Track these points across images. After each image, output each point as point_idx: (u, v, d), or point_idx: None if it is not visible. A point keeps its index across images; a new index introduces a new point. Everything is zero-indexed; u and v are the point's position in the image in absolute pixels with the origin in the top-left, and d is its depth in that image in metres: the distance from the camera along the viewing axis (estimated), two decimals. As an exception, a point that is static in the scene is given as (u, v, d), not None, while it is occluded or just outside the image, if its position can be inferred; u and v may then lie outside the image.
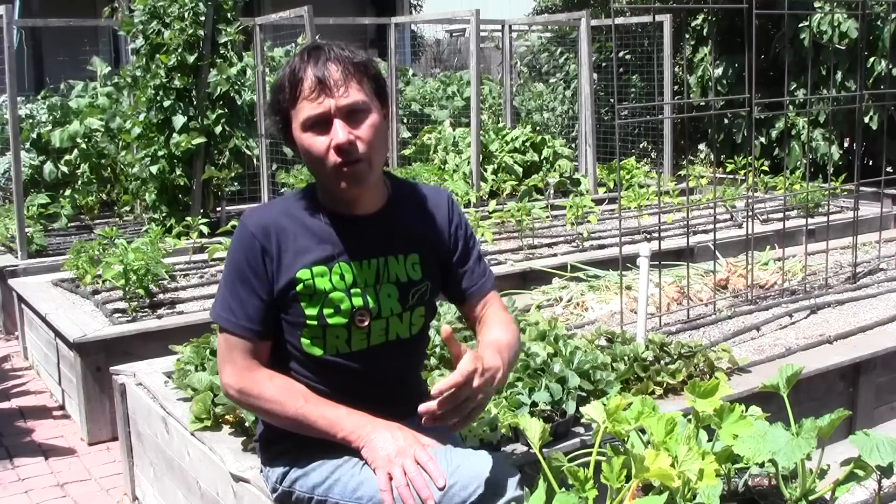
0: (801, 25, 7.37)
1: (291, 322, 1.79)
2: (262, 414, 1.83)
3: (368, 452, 1.67)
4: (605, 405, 1.75)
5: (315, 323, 1.77)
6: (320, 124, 1.68)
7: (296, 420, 1.74)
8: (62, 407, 4.12)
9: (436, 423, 1.61)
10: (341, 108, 1.68)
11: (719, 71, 8.16)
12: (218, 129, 5.74)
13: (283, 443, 1.87)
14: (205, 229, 5.32)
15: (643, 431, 1.76)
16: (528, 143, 7.80)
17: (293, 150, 1.79)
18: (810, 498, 1.75)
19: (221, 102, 5.82)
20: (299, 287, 1.75)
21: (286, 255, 1.75)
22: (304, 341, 1.79)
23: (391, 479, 1.60)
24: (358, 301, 1.78)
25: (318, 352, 1.80)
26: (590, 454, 1.72)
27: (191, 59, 5.55)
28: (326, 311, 1.76)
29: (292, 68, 1.70)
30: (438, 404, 1.58)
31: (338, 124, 1.67)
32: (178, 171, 5.71)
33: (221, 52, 5.79)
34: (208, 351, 2.87)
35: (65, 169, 6.67)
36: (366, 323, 1.79)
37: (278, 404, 1.74)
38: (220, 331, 1.81)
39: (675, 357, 2.88)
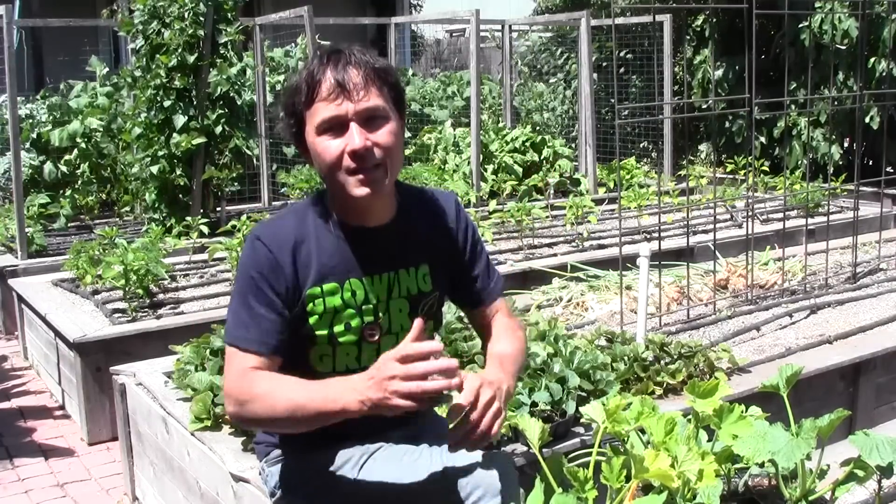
0: (801, 25, 7.37)
1: (301, 339, 1.73)
2: (261, 421, 1.68)
3: (362, 406, 1.52)
4: (604, 405, 1.75)
5: (325, 342, 1.73)
6: (336, 128, 1.63)
7: (290, 410, 1.58)
8: (62, 407, 4.11)
9: (463, 446, 1.57)
10: (359, 112, 1.62)
11: (720, 72, 8.16)
12: (218, 129, 5.74)
13: (282, 446, 1.87)
14: (205, 229, 5.32)
15: (643, 431, 1.76)
16: (528, 143, 7.80)
17: (304, 156, 1.74)
18: (810, 498, 1.75)
19: (221, 102, 5.82)
20: (310, 305, 1.70)
21: (300, 271, 1.70)
22: (314, 358, 1.76)
23: (394, 395, 1.47)
24: (369, 318, 1.75)
25: (327, 368, 1.76)
26: (590, 454, 1.72)
27: (191, 59, 5.55)
28: (337, 329, 1.72)
29: (310, 70, 1.65)
30: (459, 430, 1.55)
31: (354, 129, 1.62)
32: (179, 171, 5.70)
33: (221, 52, 5.79)
34: (208, 351, 2.87)
35: (65, 169, 6.67)
36: (376, 338, 1.76)
37: (270, 396, 1.60)
38: (233, 351, 1.68)
39: (675, 357, 2.88)
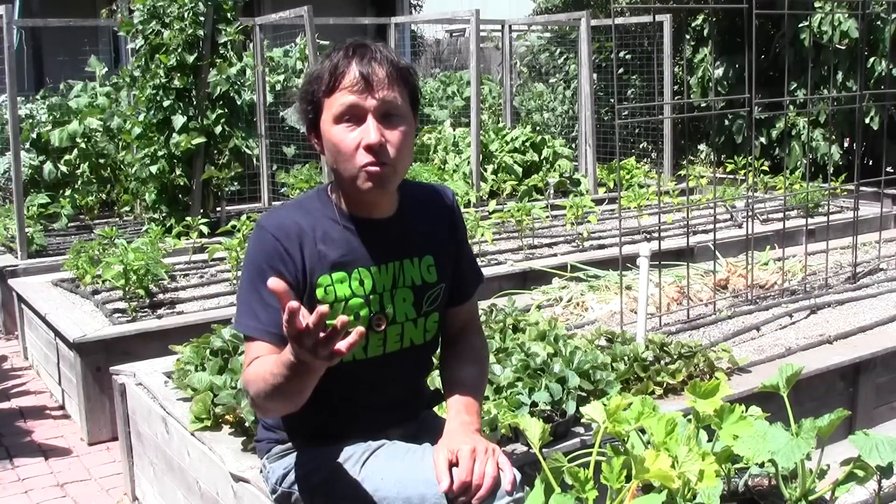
0: (801, 25, 7.37)
1: None
2: (259, 399, 1.64)
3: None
4: (605, 405, 1.75)
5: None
6: (354, 119, 1.65)
7: (271, 386, 1.57)
8: (62, 407, 4.11)
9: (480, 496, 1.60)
10: (379, 107, 1.64)
11: (720, 71, 8.16)
12: (218, 129, 5.74)
13: (284, 442, 1.87)
14: (205, 229, 5.32)
15: (643, 432, 1.76)
16: (528, 143, 7.80)
17: (316, 145, 1.75)
18: (810, 498, 1.75)
19: (221, 102, 5.82)
20: (320, 293, 1.71)
21: (308, 260, 1.71)
22: None
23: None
24: (375, 307, 1.76)
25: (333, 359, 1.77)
26: (590, 454, 1.72)
27: (190, 59, 5.55)
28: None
29: (334, 61, 1.66)
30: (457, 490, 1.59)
31: (372, 123, 1.64)
32: (178, 171, 5.71)
33: (221, 52, 5.79)
34: (208, 351, 2.87)
35: (65, 169, 6.67)
36: (383, 327, 1.77)
37: (257, 377, 1.61)
38: (246, 340, 1.72)
39: (675, 357, 2.88)
